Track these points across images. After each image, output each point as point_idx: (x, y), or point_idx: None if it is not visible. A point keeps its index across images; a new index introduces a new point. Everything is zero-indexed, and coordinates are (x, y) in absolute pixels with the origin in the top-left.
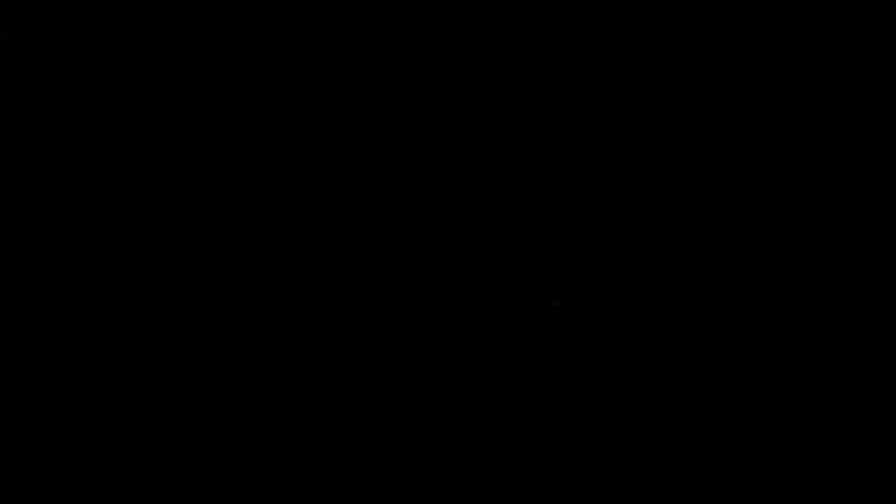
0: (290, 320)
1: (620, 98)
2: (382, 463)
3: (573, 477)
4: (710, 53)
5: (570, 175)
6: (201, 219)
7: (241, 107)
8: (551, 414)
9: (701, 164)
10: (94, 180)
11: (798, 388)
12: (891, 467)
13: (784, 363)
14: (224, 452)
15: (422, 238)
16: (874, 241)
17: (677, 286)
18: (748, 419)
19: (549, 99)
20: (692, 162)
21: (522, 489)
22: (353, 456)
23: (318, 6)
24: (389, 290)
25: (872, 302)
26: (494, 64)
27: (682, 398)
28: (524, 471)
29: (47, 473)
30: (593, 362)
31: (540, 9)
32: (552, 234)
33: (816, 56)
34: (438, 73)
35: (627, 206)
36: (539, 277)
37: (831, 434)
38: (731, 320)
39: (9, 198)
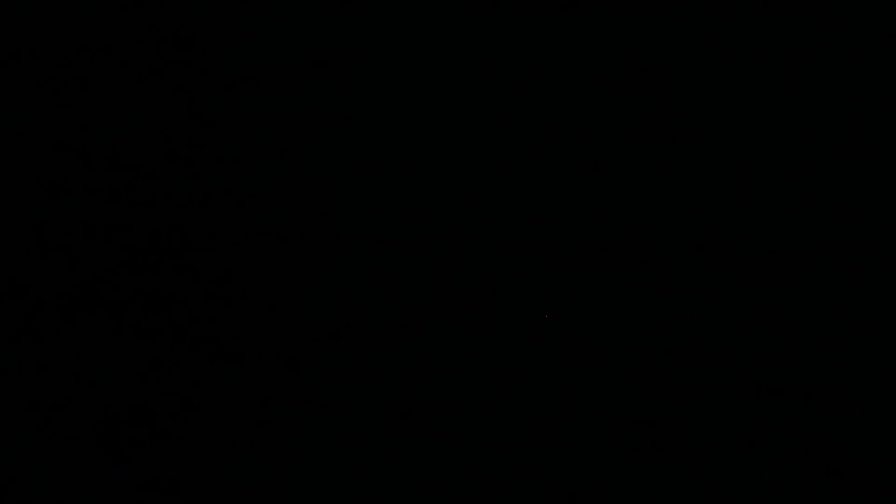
0: (285, 321)
1: (616, 103)
2: (378, 466)
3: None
4: (706, 53)
5: (562, 181)
6: (200, 220)
7: (234, 106)
8: (543, 423)
9: (693, 170)
10: (90, 178)
11: (797, 392)
12: (891, 467)
13: (781, 374)
14: (223, 453)
15: (415, 245)
16: (874, 241)
17: (670, 299)
18: (744, 427)
19: (541, 105)
20: (683, 167)
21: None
22: (349, 459)
23: (317, 7)
24: (382, 296)
25: (872, 302)
26: (490, 68)
27: (679, 406)
28: (513, 477)
29: (47, 475)
30: (586, 372)
31: (533, 10)
32: (544, 243)
33: (816, 55)
34: (434, 76)
35: (623, 215)
36: (532, 288)
37: (831, 434)
38: (728, 326)
39: (8, 198)
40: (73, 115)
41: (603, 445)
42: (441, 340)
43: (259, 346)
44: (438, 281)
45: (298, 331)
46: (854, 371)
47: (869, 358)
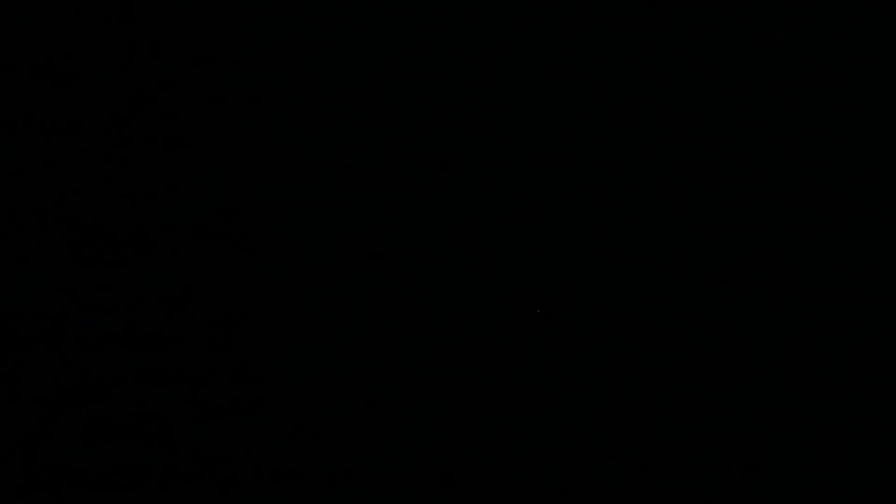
0: (282, 320)
1: (610, 102)
2: (374, 464)
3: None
4: (704, 53)
5: (556, 178)
6: (199, 219)
7: (231, 107)
8: (536, 419)
9: (689, 168)
10: (88, 177)
11: (794, 391)
12: (891, 467)
13: (778, 370)
14: (221, 453)
15: (410, 242)
16: (873, 241)
17: (664, 292)
18: (739, 423)
19: (535, 105)
20: (679, 166)
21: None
22: (346, 457)
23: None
24: (377, 293)
25: (871, 302)
26: (486, 66)
27: (672, 402)
28: (509, 475)
29: (46, 474)
30: (577, 368)
31: (533, 10)
32: (537, 238)
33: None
34: (431, 74)
35: (616, 211)
36: (524, 282)
37: (829, 434)
38: (723, 324)
39: (8, 198)
40: (70, 115)
41: (597, 441)
42: (433, 337)
43: (257, 346)
44: (428, 278)
45: (294, 330)
46: (853, 371)
47: (869, 358)
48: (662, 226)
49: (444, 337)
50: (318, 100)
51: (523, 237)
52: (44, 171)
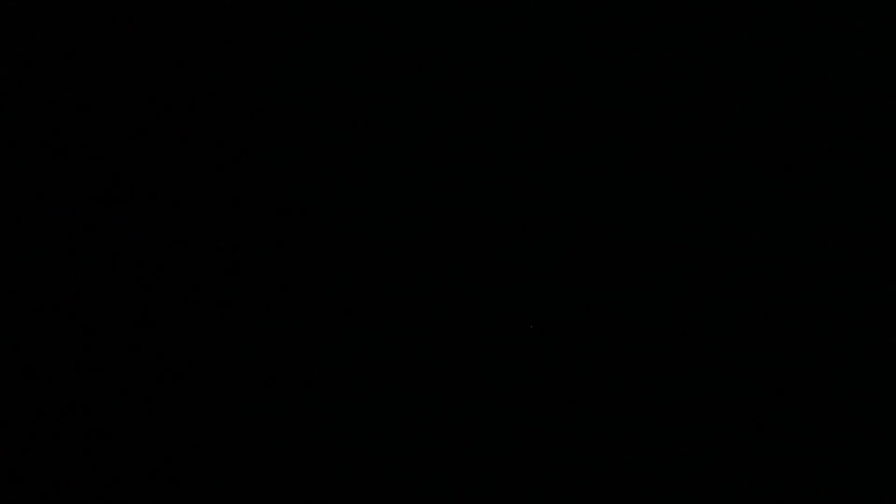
0: (275, 321)
1: (606, 108)
2: (371, 470)
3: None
4: (702, 51)
5: (553, 183)
6: (196, 220)
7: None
8: (533, 425)
9: (687, 170)
10: (88, 179)
11: (794, 390)
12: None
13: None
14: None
15: (406, 245)
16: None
17: (663, 301)
18: (739, 426)
19: (534, 106)
20: (677, 169)
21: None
22: (343, 462)
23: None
24: (373, 297)
25: (870, 301)
26: (482, 68)
27: (671, 409)
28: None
29: (45, 474)
30: (572, 382)
31: (530, 8)
32: (533, 246)
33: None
34: (427, 73)
35: (614, 216)
36: (518, 290)
37: (828, 435)
38: (722, 325)
39: (9, 198)
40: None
41: (592, 455)
42: (426, 348)
43: (256, 348)
44: (422, 288)
45: (291, 331)
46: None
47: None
48: (659, 232)
49: (442, 343)
50: (317, 100)
51: (519, 245)
52: (42, 171)
